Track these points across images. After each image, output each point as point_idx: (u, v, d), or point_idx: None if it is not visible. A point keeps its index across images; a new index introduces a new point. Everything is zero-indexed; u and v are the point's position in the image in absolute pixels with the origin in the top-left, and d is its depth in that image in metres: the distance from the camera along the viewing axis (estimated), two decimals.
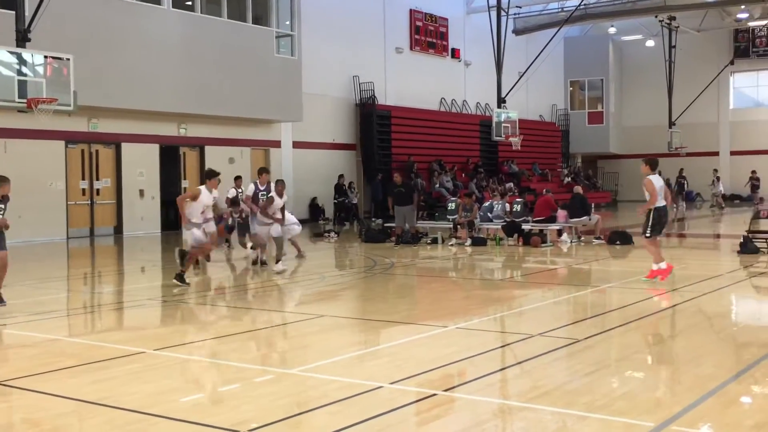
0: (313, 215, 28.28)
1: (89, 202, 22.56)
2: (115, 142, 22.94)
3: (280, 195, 13.76)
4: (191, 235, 12.04)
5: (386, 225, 21.29)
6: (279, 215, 13.74)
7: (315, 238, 21.63)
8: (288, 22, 26.77)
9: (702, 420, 5.37)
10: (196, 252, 12.27)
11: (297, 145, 27.97)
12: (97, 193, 22.76)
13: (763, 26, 39.41)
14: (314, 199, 28.71)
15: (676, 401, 5.79)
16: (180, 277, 11.83)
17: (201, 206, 11.97)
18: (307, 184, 28.18)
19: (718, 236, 23.45)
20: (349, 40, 29.81)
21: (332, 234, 22.35)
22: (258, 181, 14.62)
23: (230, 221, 17.20)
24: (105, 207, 22.93)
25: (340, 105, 29.96)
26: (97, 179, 22.77)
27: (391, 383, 6.18)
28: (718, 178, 35.73)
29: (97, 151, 22.80)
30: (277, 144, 27.42)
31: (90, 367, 6.95)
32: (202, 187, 12.17)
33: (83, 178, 22.47)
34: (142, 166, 23.47)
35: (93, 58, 20.10)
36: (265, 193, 14.15)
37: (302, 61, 26.72)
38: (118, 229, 23.02)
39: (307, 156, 28.05)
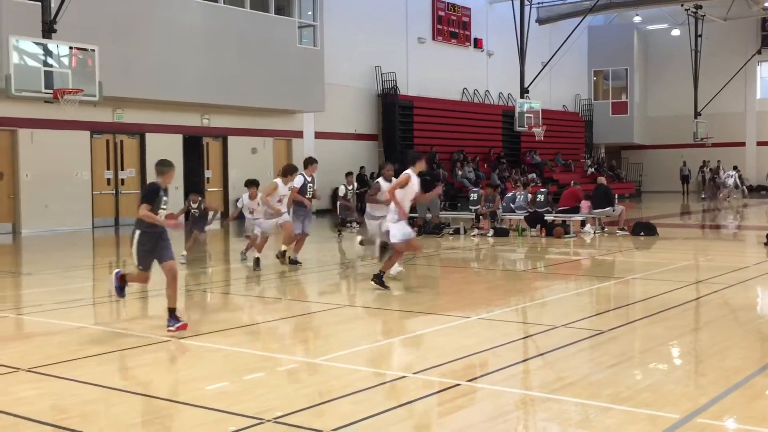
0: (335, 206, 28.29)
1: (114, 191, 22.76)
2: (139, 132, 23.12)
3: (389, 179, 11.93)
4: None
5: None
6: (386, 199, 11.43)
7: (337, 229, 21.63)
8: (310, 13, 26.78)
9: (727, 413, 5.33)
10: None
11: (319, 135, 28.01)
12: (122, 183, 22.96)
13: None
14: (336, 189, 28.74)
15: (701, 393, 5.75)
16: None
17: (278, 195, 12.68)
18: (329, 174, 28.19)
19: (742, 228, 23.21)
20: (372, 30, 29.76)
21: (354, 224, 22.37)
22: (305, 172, 13.27)
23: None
24: (129, 197, 23.09)
25: (363, 95, 29.95)
26: (122, 169, 22.97)
27: (414, 373, 6.20)
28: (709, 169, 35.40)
29: (121, 142, 22.98)
30: (299, 134, 27.49)
31: (117, 354, 7.03)
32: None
33: (108, 168, 22.66)
34: (165, 156, 23.17)
35: (118, 49, 20.24)
36: (312, 184, 13.30)
37: (324, 52, 26.72)
38: None
39: (329, 146, 28.08)
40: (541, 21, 36.30)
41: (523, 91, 29.47)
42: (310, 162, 13.62)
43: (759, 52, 41.03)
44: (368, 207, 12.27)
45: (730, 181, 33.77)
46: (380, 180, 12.18)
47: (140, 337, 7.66)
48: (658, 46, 43.85)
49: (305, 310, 9.82)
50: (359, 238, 13.64)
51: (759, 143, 42.11)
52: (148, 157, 23.19)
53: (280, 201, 12.79)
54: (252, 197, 13.81)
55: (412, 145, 30.39)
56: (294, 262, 13.02)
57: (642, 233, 17.94)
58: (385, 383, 5.97)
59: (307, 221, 13.27)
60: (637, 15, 40.79)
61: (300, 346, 7.79)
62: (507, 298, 10.46)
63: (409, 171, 10.52)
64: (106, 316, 9.68)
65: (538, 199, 19.52)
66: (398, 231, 10.45)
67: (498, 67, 35.49)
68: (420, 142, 30.66)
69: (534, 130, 29.59)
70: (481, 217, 19.32)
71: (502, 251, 16.28)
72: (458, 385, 5.95)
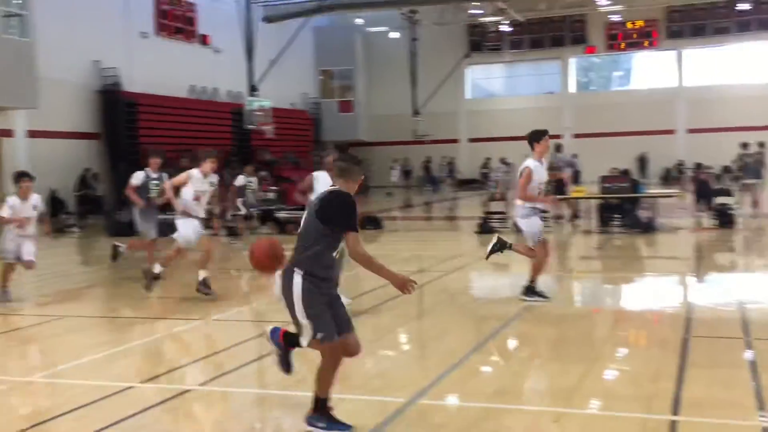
0: (54, 209, 26.39)
1: None
2: None
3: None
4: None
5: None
6: None
7: (56, 234, 20.20)
8: (18, 1, 24.66)
9: (448, 392, 5.72)
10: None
11: (33, 134, 25.89)
12: None
13: (494, 23, 42.54)
14: (54, 192, 26.82)
15: (424, 376, 6.11)
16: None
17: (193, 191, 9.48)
18: (46, 176, 26.07)
19: (457, 218, 25.08)
20: (89, 23, 28.03)
21: (75, 229, 21.06)
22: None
23: None
24: None
25: (82, 91, 28.14)
26: None
27: (143, 382, 5.94)
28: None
29: None
30: (9, 133, 25.19)
31: None
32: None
33: None
34: None
35: None
36: (158, 180, 10.96)
37: (37, 44, 24.75)
38: None
39: (46, 146, 26.05)
40: (268, 19, 36.49)
41: (252, 89, 29.50)
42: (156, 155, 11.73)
43: (467, 56, 44.52)
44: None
45: (499, 175, 36.51)
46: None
47: None
48: (380, 48, 45.97)
49: (19, 324, 9.01)
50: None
51: (470, 140, 45.70)
52: None
53: (197, 199, 9.66)
54: (23, 196, 9.55)
55: (138, 144, 29.16)
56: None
57: (369, 226, 18.72)
58: (110, 395, 5.64)
59: None
60: (358, 18, 42.43)
61: (14, 363, 7.14)
62: (240, 298, 10.39)
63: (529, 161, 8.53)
64: None
65: (268, 197, 19.62)
66: (530, 227, 8.63)
67: (226, 64, 35.11)
68: (147, 141, 29.43)
69: (264, 127, 29.75)
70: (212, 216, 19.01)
71: (237, 249, 16.14)
72: (190, 390, 5.80)
